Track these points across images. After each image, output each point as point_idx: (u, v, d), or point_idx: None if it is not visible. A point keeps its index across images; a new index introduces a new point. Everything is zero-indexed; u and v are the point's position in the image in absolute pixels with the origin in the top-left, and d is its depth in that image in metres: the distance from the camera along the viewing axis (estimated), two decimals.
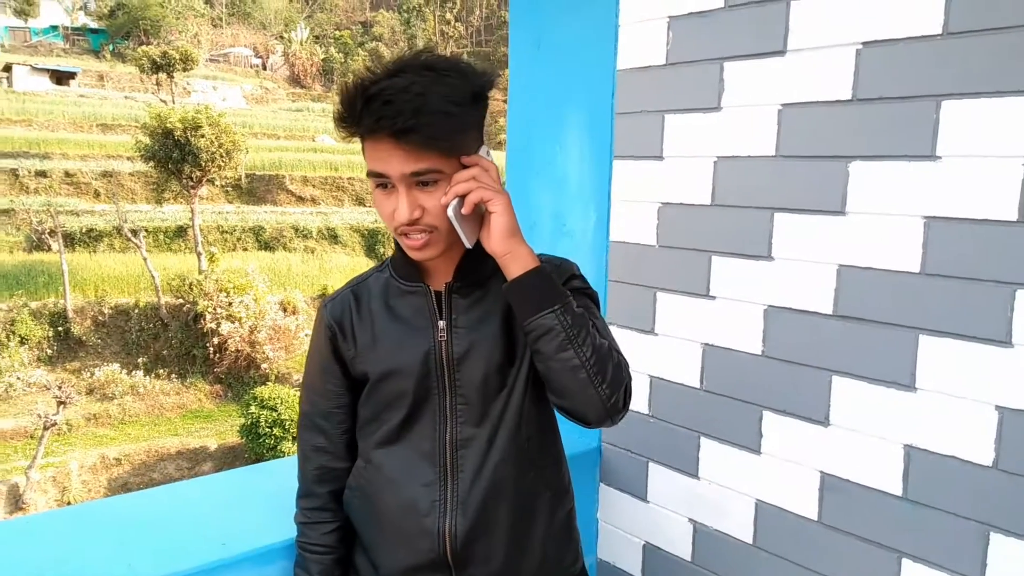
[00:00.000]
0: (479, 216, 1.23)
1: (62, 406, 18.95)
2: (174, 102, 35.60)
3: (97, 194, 30.52)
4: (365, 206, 33.47)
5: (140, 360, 23.42)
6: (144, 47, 41.85)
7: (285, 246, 29.89)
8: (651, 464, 2.08)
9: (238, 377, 23.58)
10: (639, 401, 2.08)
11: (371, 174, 1.21)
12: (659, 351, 2.04)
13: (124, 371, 22.72)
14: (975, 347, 1.47)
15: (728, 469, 1.90)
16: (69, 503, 17.56)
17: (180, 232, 28.48)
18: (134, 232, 25.49)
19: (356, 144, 1.22)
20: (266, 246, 29.67)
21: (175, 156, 24.13)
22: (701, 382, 1.95)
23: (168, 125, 23.82)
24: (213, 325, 23.22)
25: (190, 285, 24.28)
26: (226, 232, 29.33)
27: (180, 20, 55.91)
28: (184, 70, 38.86)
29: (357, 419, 1.40)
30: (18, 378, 21.54)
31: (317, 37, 65.40)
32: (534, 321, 1.20)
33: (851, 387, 1.65)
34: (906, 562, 1.59)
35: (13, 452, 19.56)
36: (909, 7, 1.51)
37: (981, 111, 1.44)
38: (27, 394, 21.27)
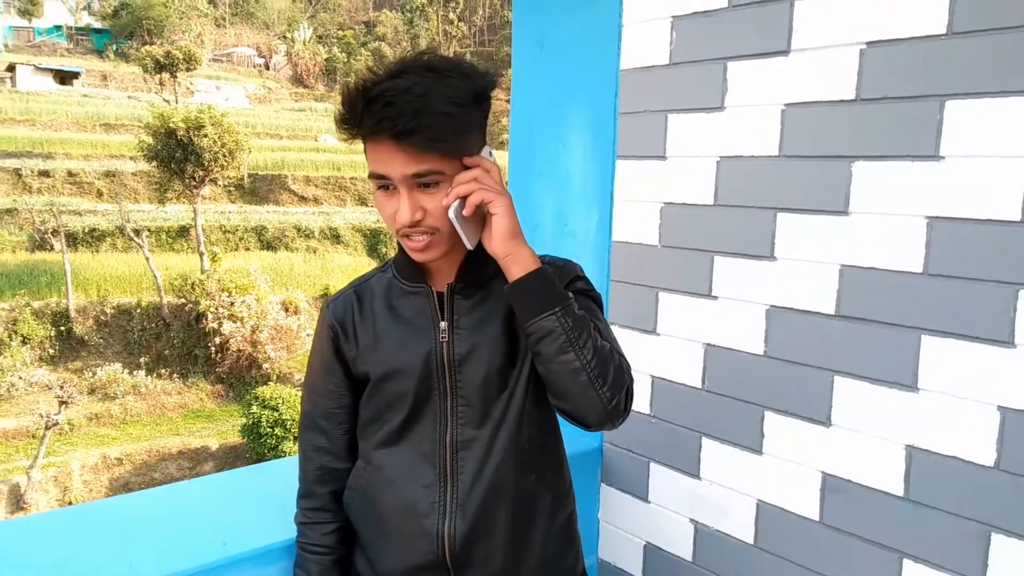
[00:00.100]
0: (481, 217, 1.23)
1: (64, 406, 18.96)
2: (177, 102, 35.64)
3: (100, 194, 30.56)
4: (367, 206, 33.49)
5: (142, 360, 23.44)
6: (147, 47, 41.93)
7: (287, 246, 29.91)
8: (652, 464, 2.08)
9: (240, 377, 23.60)
10: (641, 401, 2.07)
11: (372, 175, 1.20)
12: (661, 351, 2.03)
13: (126, 371, 22.74)
14: (977, 347, 1.47)
15: (729, 469, 1.90)
16: (70, 503, 17.59)
17: (182, 232, 28.51)
18: (136, 232, 25.51)
19: (358, 144, 1.22)
20: (268, 246, 29.69)
21: (178, 156, 24.15)
22: (703, 382, 1.94)
23: (171, 125, 23.84)
24: (215, 325, 23.24)
25: (192, 285, 24.30)
26: (228, 232, 29.36)
27: (183, 20, 55.99)
28: (187, 70, 38.91)
29: (358, 419, 1.40)
30: (20, 378, 21.56)
31: (320, 37, 65.49)
32: (535, 323, 1.19)
33: (853, 387, 1.65)
34: (907, 562, 1.59)
35: (15, 452, 19.58)
36: (913, 7, 1.51)
37: (985, 111, 1.43)
38: (29, 394, 21.30)
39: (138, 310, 24.40)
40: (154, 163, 25.09)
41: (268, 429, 18.66)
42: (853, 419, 1.66)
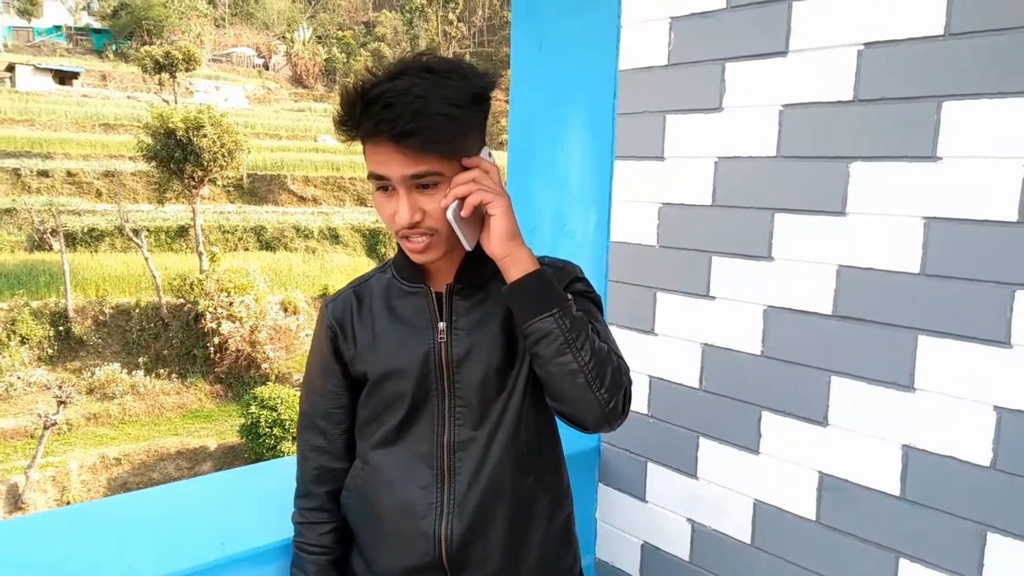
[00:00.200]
0: (479, 218, 1.23)
1: (62, 406, 18.95)
2: (176, 102, 35.65)
3: (99, 194, 30.56)
4: (366, 206, 33.49)
5: (140, 360, 23.44)
6: (147, 47, 41.93)
7: (286, 246, 29.91)
8: (650, 464, 2.08)
9: (238, 377, 23.59)
10: (638, 401, 2.08)
11: (371, 176, 1.20)
12: (659, 351, 2.04)
13: (124, 371, 22.73)
14: (974, 347, 1.47)
15: (727, 469, 1.90)
16: (68, 503, 17.57)
17: (181, 232, 28.50)
18: (135, 232, 25.51)
19: (357, 145, 1.21)
20: (267, 246, 29.69)
21: (177, 156, 24.16)
22: (700, 382, 1.95)
23: (170, 125, 23.85)
24: (214, 325, 23.23)
25: (191, 285, 24.29)
26: (227, 232, 29.36)
27: (183, 20, 55.97)
28: (187, 70, 38.92)
29: (356, 420, 1.40)
30: (19, 377, 21.56)
31: (320, 37, 65.48)
32: (532, 325, 1.19)
33: (850, 387, 1.65)
34: (903, 562, 1.59)
35: (13, 452, 19.57)
36: (911, 8, 1.52)
37: (982, 112, 1.44)
38: (27, 393, 21.29)
39: (137, 310, 24.39)
40: (153, 163, 25.11)
41: (267, 429, 18.65)
42: (850, 419, 1.66)
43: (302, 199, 34.03)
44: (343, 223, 31.60)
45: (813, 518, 1.74)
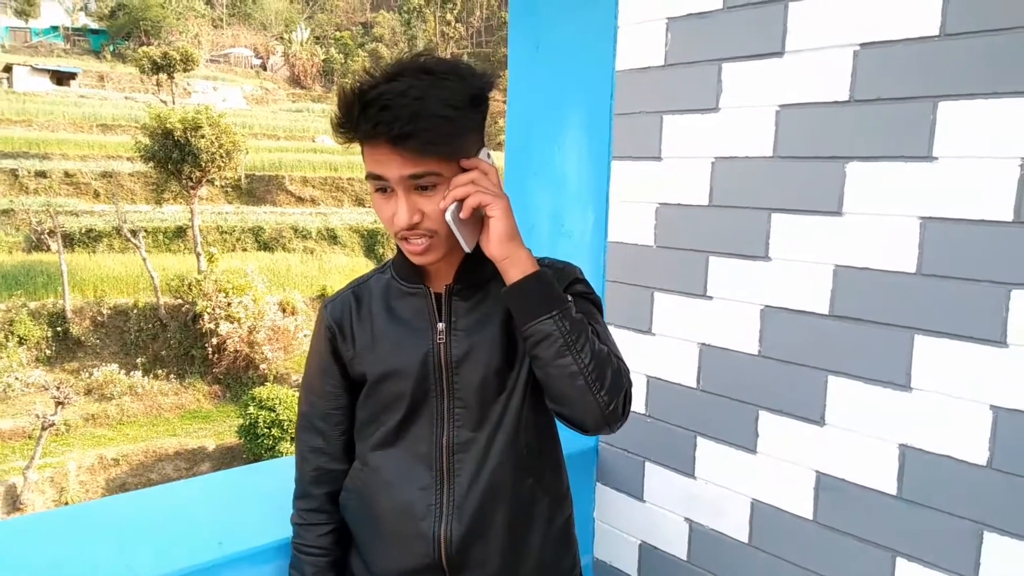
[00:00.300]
0: (478, 219, 1.22)
1: (60, 406, 18.94)
2: (174, 103, 35.63)
3: (97, 194, 30.53)
4: (364, 207, 33.48)
5: (139, 360, 23.42)
6: (144, 48, 41.87)
7: (284, 246, 29.90)
8: (648, 464, 2.08)
9: (236, 377, 23.57)
10: (636, 401, 2.08)
11: (370, 176, 1.20)
12: (656, 351, 2.04)
13: (122, 371, 22.71)
14: (970, 347, 1.47)
15: (724, 469, 1.90)
16: (67, 503, 17.55)
17: (179, 232, 28.48)
18: (133, 232, 25.50)
19: (355, 145, 1.22)
20: (265, 246, 29.68)
21: (175, 156, 24.15)
22: (698, 382, 1.95)
23: (168, 125, 23.84)
24: (212, 325, 23.22)
25: (189, 285, 24.28)
26: (225, 232, 29.34)
27: (181, 21, 55.93)
28: (184, 71, 38.87)
29: (355, 421, 1.40)
30: (16, 378, 21.52)
31: (317, 38, 65.44)
32: (532, 327, 1.18)
33: (847, 387, 1.66)
34: (900, 561, 1.59)
35: (11, 452, 19.54)
36: (906, 9, 1.52)
37: (977, 112, 1.44)
38: (25, 394, 21.26)
39: (135, 311, 24.38)
40: (151, 164, 25.09)
41: (265, 430, 18.63)
42: (847, 418, 1.66)
43: (300, 200, 34.02)
44: (341, 223, 31.59)
45: (810, 517, 1.74)
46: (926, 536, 1.56)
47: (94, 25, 56.35)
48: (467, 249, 1.23)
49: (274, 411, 18.74)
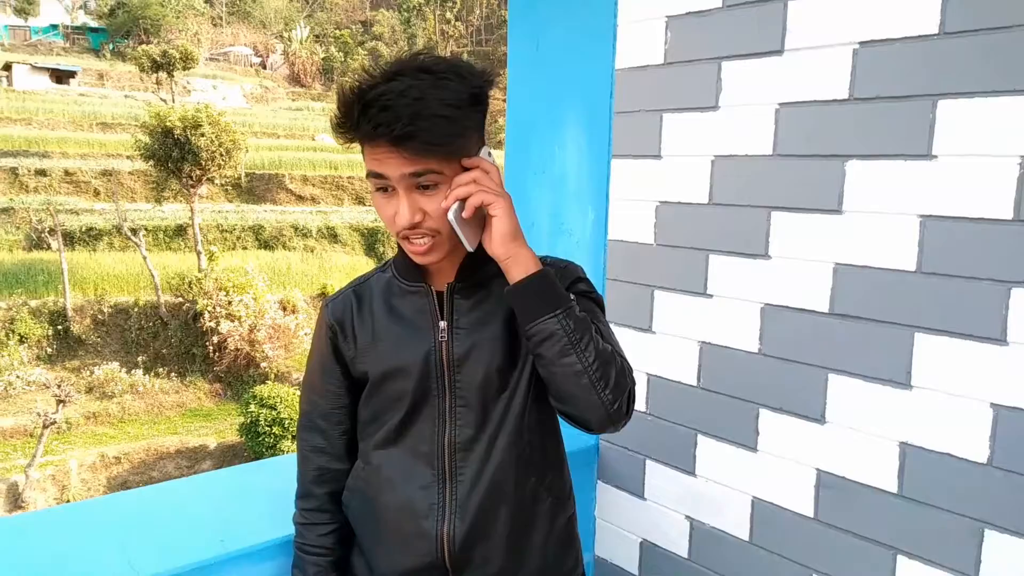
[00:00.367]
0: (481, 218, 1.22)
1: (61, 404, 18.95)
2: (174, 101, 35.60)
3: (97, 193, 30.51)
4: (365, 205, 33.46)
5: (139, 359, 23.43)
6: (144, 46, 41.80)
7: (285, 245, 29.89)
8: (648, 462, 2.09)
9: (237, 376, 23.58)
10: (637, 399, 2.08)
11: (371, 175, 1.20)
12: (656, 349, 2.04)
13: (123, 370, 22.72)
14: (970, 345, 1.48)
15: (725, 467, 1.91)
16: (68, 501, 17.56)
17: (180, 231, 28.48)
18: (134, 231, 25.49)
19: (355, 144, 1.22)
20: (266, 245, 29.67)
21: (175, 155, 24.13)
22: (698, 380, 1.95)
23: (168, 124, 23.83)
24: (212, 324, 23.22)
25: (189, 284, 24.29)
26: (226, 231, 29.34)
27: (180, 19, 55.87)
28: (184, 69, 38.79)
29: (357, 420, 1.39)
30: (18, 376, 21.54)
31: (317, 36, 65.37)
32: (536, 326, 1.18)
33: (847, 385, 1.66)
34: (901, 559, 1.60)
35: (12, 451, 19.56)
36: (905, 7, 1.52)
37: (977, 110, 1.44)
38: (27, 392, 21.27)
39: (135, 309, 24.39)
40: (151, 162, 25.07)
41: (266, 428, 18.64)
42: (847, 416, 1.67)
43: (300, 198, 34.00)
44: (341, 222, 31.57)
45: (811, 515, 1.74)
46: (927, 534, 1.56)
47: (93, 23, 56.29)
48: (469, 248, 1.23)
49: (275, 409, 18.75)
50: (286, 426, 18.33)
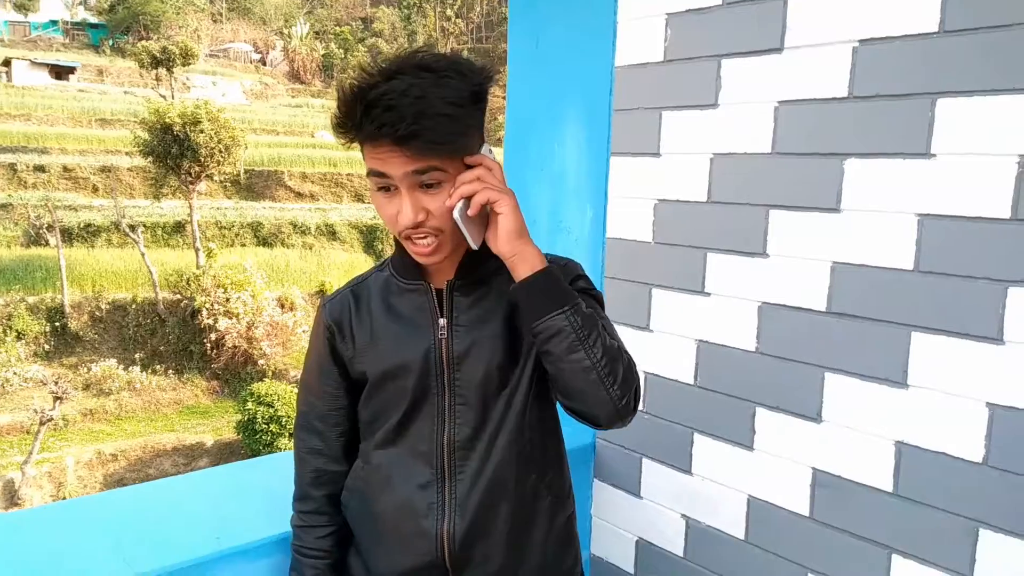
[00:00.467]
0: (484, 216, 1.21)
1: (58, 401, 18.94)
2: (173, 97, 35.55)
3: (95, 189, 30.49)
4: (364, 202, 33.45)
5: (137, 356, 23.41)
6: (144, 42, 41.75)
7: (283, 242, 29.88)
8: (644, 460, 2.09)
9: (235, 373, 23.58)
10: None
11: (372, 174, 1.18)
12: (654, 347, 2.04)
13: (121, 367, 22.71)
14: (967, 344, 1.48)
15: (721, 465, 1.91)
16: (65, 498, 17.56)
17: (178, 227, 28.46)
18: (132, 227, 25.47)
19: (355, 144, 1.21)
20: (264, 242, 29.65)
21: (174, 151, 24.11)
22: (695, 378, 1.95)
23: (167, 120, 23.80)
24: (210, 321, 23.22)
25: (188, 281, 24.28)
26: (224, 228, 29.32)
27: (180, 15, 55.82)
28: (184, 65, 38.77)
29: (358, 422, 1.39)
30: (14, 373, 21.52)
31: (317, 33, 65.29)
32: (543, 322, 1.18)
33: (844, 383, 1.66)
34: (896, 558, 1.60)
35: (9, 447, 19.55)
36: (905, 5, 1.52)
37: (976, 109, 1.44)
38: (23, 389, 21.26)
39: (133, 306, 24.37)
40: (150, 159, 25.03)
41: (263, 425, 18.64)
42: (843, 415, 1.67)
43: (299, 195, 33.98)
44: (340, 219, 31.57)
45: (807, 514, 1.74)
46: (922, 533, 1.56)
47: (93, 19, 56.22)
48: (474, 246, 1.22)
49: (272, 407, 18.75)
50: (283, 423, 18.33)
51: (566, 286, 1.21)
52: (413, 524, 1.30)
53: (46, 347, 23.05)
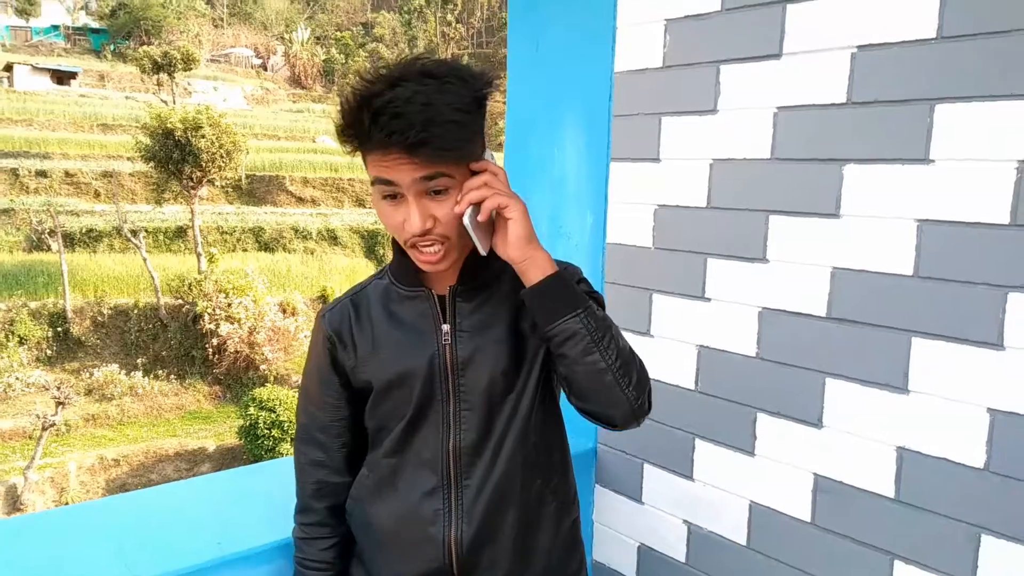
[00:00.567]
0: (490, 221, 1.21)
1: (61, 407, 18.95)
2: (175, 102, 35.62)
3: (97, 194, 30.53)
4: (365, 207, 33.48)
5: (139, 361, 23.43)
6: (145, 47, 41.85)
7: (285, 247, 29.91)
8: (646, 465, 2.09)
9: (237, 378, 23.59)
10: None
11: (378, 182, 1.17)
12: (654, 353, 2.04)
13: (123, 372, 22.73)
14: (967, 349, 1.47)
15: (722, 471, 1.90)
16: (67, 503, 17.55)
17: (180, 233, 28.49)
18: (134, 232, 25.51)
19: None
20: (266, 247, 29.68)
21: (175, 156, 24.15)
22: (696, 384, 1.95)
23: (168, 125, 23.84)
24: (212, 326, 23.23)
25: (189, 286, 24.31)
26: (226, 233, 29.35)
27: (181, 20, 55.92)
28: (185, 70, 38.84)
29: (359, 432, 1.38)
30: (17, 378, 21.54)
31: (318, 38, 65.43)
32: (558, 326, 1.18)
33: (844, 389, 1.66)
34: (898, 564, 1.60)
35: (11, 453, 19.56)
36: (904, 11, 1.52)
37: (974, 115, 1.44)
38: (26, 394, 21.27)
39: (135, 311, 24.39)
40: (151, 164, 25.08)
41: (265, 431, 18.64)
42: (844, 421, 1.67)
43: (300, 200, 34.02)
44: (342, 224, 31.59)
45: (808, 520, 1.74)
46: (923, 539, 1.56)
47: (95, 24, 56.34)
48: (483, 252, 1.22)
49: (274, 412, 18.75)
50: (285, 429, 18.33)
51: (578, 289, 1.22)
52: (420, 531, 1.30)
53: (48, 352, 23.07)
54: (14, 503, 17.62)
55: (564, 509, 1.39)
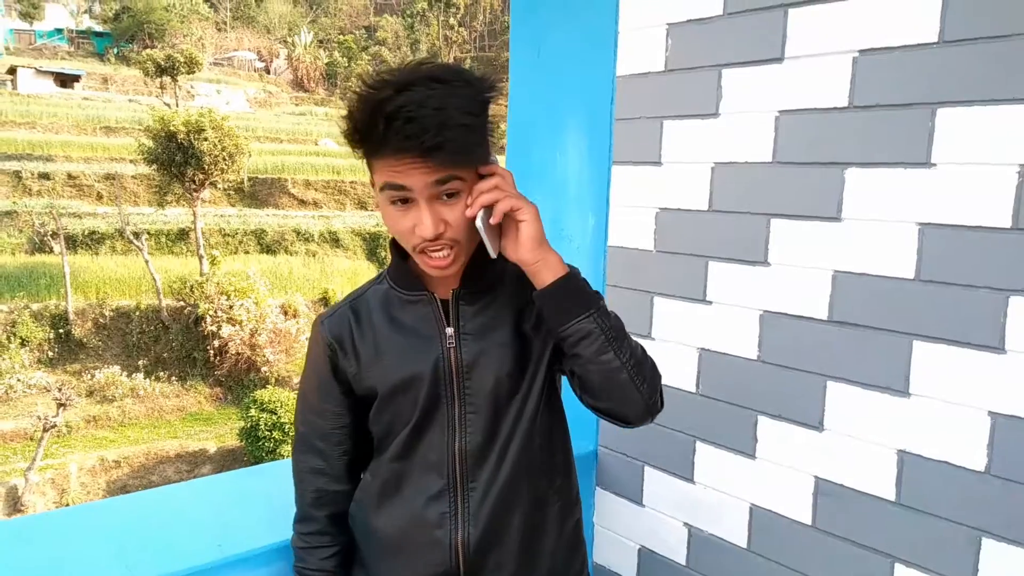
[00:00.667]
0: (498, 224, 1.22)
1: (62, 408, 18.95)
2: (178, 105, 35.66)
3: (99, 196, 30.58)
4: (367, 210, 33.51)
5: (140, 362, 23.43)
6: (148, 50, 41.99)
7: (287, 249, 29.93)
8: (647, 468, 2.09)
9: (238, 380, 23.58)
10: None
11: (389, 187, 1.16)
12: (655, 356, 2.02)
13: (124, 373, 22.73)
14: (969, 353, 1.47)
15: (723, 473, 1.90)
16: (68, 505, 17.55)
17: (182, 235, 28.52)
18: (136, 235, 25.52)
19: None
20: (268, 249, 29.70)
21: (178, 159, 24.15)
22: (697, 387, 1.95)
23: (171, 128, 23.85)
24: (214, 328, 23.23)
25: (191, 288, 24.31)
26: (228, 235, 29.38)
27: (184, 24, 56.03)
28: (188, 73, 38.94)
29: (360, 439, 1.38)
30: (18, 380, 21.54)
31: (321, 41, 65.53)
32: (572, 326, 1.18)
33: (845, 392, 1.66)
34: (899, 567, 1.59)
35: (12, 454, 19.56)
36: (905, 15, 1.53)
37: (976, 119, 1.44)
38: (27, 396, 21.28)
39: (137, 313, 24.40)
40: (154, 166, 25.07)
41: (266, 432, 18.63)
42: (845, 424, 1.67)
43: (303, 202, 34.06)
44: (344, 227, 31.62)
45: (809, 523, 1.74)
46: (924, 542, 1.56)
47: (98, 28, 56.46)
48: (493, 255, 1.22)
49: (275, 414, 18.74)
50: (286, 431, 18.32)
51: (591, 289, 1.23)
52: (426, 535, 1.30)
53: (50, 354, 23.08)
54: (15, 504, 17.62)
55: (567, 510, 1.40)
